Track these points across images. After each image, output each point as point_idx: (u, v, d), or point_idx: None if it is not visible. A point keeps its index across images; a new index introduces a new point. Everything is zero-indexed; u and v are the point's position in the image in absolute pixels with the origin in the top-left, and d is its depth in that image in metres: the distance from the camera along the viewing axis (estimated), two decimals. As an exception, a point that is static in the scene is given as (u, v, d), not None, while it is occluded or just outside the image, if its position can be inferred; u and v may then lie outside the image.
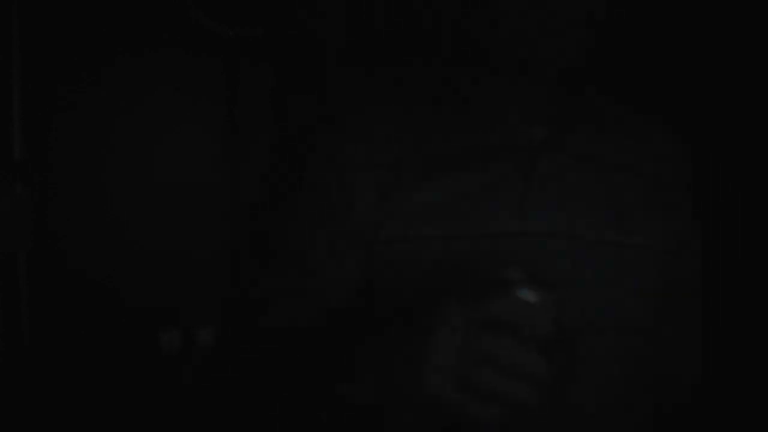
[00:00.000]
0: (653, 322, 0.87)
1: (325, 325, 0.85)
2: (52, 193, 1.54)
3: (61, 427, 1.53)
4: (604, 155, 0.88)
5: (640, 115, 0.95)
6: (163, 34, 1.60)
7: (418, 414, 0.61)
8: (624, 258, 0.84)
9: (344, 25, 1.65)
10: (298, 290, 0.87)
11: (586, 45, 0.82)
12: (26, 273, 1.50)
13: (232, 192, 1.68)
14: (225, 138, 1.67)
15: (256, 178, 1.64)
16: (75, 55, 1.53)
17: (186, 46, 1.62)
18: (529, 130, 0.85)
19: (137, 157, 1.61)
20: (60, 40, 1.51)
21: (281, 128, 1.66)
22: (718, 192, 0.97)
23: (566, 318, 0.60)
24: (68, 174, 1.55)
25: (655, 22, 1.46)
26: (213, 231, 1.67)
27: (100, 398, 1.56)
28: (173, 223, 1.64)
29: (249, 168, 1.67)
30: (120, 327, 1.59)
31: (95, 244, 1.57)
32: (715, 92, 1.52)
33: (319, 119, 0.90)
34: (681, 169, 0.93)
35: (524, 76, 0.84)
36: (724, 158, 1.44)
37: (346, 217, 0.84)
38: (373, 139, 0.85)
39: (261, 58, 1.67)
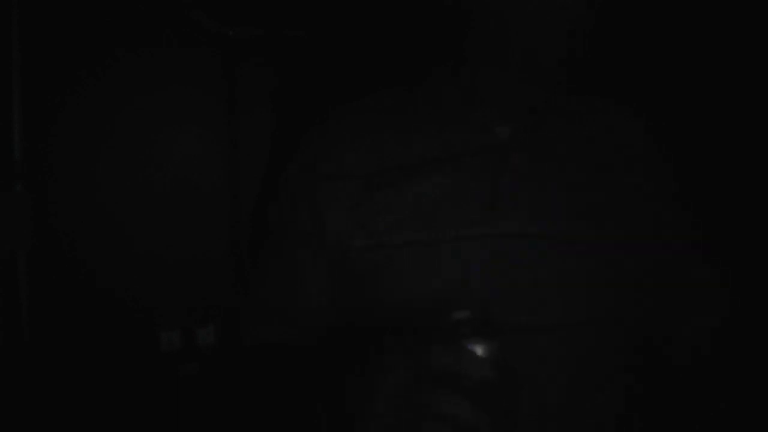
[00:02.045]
0: (630, 311, 0.85)
1: (303, 344, 0.85)
2: (52, 193, 1.54)
3: (61, 427, 1.53)
4: (574, 151, 0.86)
5: (609, 108, 0.94)
6: (163, 33, 1.60)
7: None
8: (597, 252, 0.83)
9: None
10: (276, 310, 0.87)
11: (575, 41, 0.81)
12: (26, 273, 1.51)
13: (232, 192, 1.68)
14: (225, 138, 1.67)
15: (256, 178, 1.64)
16: (74, 55, 1.53)
17: (186, 46, 1.62)
18: (494, 129, 0.84)
19: (137, 157, 1.61)
20: (60, 40, 1.51)
21: (280, 128, 1.66)
22: (690, 179, 0.96)
23: (511, 362, 0.60)
24: (68, 174, 1.55)
25: (628, 17, 1.45)
26: (213, 231, 1.68)
27: (100, 397, 1.56)
28: (173, 223, 1.64)
29: (249, 168, 1.67)
30: (120, 327, 1.60)
31: (95, 244, 1.58)
32: (684, 81, 1.50)
33: (307, 121, 0.89)
34: (651, 161, 0.92)
35: (501, 72, 0.83)
36: (694, 146, 1.43)
37: (320, 233, 0.83)
38: (348, 150, 0.84)
39: (261, 58, 1.67)
